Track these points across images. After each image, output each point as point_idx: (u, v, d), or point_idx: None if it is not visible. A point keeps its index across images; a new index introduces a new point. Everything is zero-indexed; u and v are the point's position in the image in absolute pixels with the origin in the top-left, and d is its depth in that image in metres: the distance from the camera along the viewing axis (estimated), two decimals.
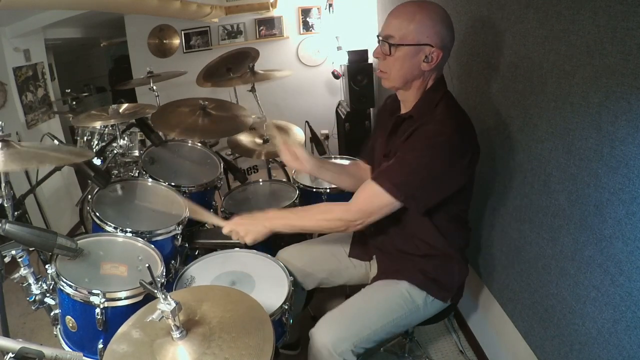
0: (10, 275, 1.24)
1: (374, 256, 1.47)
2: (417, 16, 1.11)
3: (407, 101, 1.26)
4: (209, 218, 1.43)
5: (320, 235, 1.69)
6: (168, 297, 0.88)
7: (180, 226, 1.57)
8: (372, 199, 1.16)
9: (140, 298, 1.21)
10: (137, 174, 1.96)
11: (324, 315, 1.28)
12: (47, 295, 1.28)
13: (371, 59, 3.31)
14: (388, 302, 1.29)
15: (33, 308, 1.28)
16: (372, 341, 1.25)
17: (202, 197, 1.91)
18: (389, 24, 1.15)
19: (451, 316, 2.00)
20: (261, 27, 4.05)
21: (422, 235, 1.29)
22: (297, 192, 2.04)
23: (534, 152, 1.26)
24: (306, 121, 3.03)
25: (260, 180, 2.28)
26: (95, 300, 1.15)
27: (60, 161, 1.33)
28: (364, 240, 1.48)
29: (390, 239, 1.36)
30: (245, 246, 1.62)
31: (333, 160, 1.51)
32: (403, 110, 1.29)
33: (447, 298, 1.34)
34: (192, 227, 1.84)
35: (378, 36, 1.19)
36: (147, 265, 0.97)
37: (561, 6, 1.06)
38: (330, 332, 1.22)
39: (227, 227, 1.31)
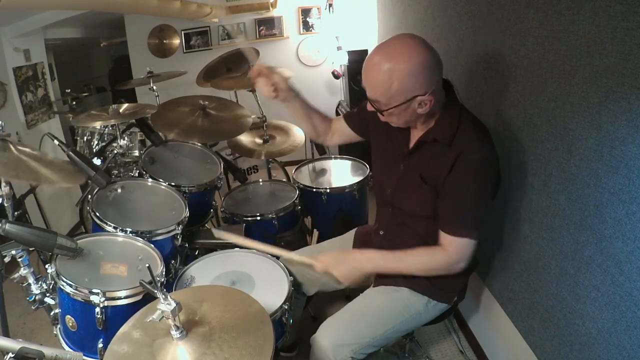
0: (10, 275, 1.24)
1: None
2: (395, 75, 1.04)
3: (417, 124, 1.23)
4: (300, 258, 1.36)
5: (318, 242, 1.69)
6: (168, 297, 0.88)
7: (180, 226, 1.57)
8: (464, 250, 1.18)
9: (140, 297, 1.21)
10: (137, 174, 1.96)
11: (325, 321, 1.28)
12: (47, 295, 1.28)
13: None
14: (388, 309, 1.29)
15: (33, 308, 1.28)
16: (373, 347, 1.25)
17: (202, 197, 1.92)
18: (371, 87, 1.11)
19: (451, 316, 2.00)
20: (261, 27, 4.05)
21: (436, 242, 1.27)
22: (297, 192, 2.04)
23: (534, 152, 1.26)
24: None
25: (260, 180, 2.28)
26: (95, 299, 1.16)
27: (51, 182, 1.27)
28: (368, 242, 1.47)
29: (404, 245, 1.33)
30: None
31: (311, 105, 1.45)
32: (415, 131, 1.26)
33: (451, 299, 1.34)
34: (192, 227, 1.84)
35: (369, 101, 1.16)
36: (147, 265, 0.97)
37: (561, 6, 1.06)
38: (330, 338, 1.22)
39: (319, 267, 1.27)
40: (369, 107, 1.19)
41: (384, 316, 1.28)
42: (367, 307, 1.30)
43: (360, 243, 1.51)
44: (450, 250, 1.18)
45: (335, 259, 1.25)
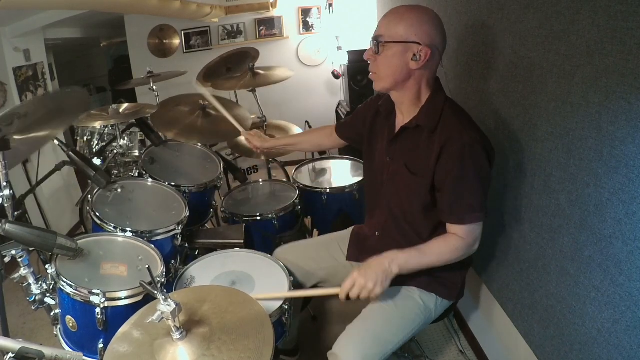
0: (10, 275, 1.24)
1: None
2: (406, 16, 1.14)
3: (403, 106, 1.26)
4: (325, 291, 1.32)
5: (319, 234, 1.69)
6: (168, 298, 0.88)
7: (180, 226, 1.57)
8: (474, 233, 1.21)
9: (140, 298, 1.21)
10: (137, 174, 1.96)
11: (343, 333, 1.25)
12: (47, 295, 1.28)
13: None
14: (407, 314, 1.29)
15: (33, 308, 1.28)
16: (393, 352, 1.25)
17: (202, 197, 1.92)
18: (379, 25, 1.18)
19: (451, 316, 2.00)
20: (261, 27, 4.05)
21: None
22: (297, 192, 2.04)
23: (534, 152, 1.26)
24: (306, 121, 3.03)
25: (260, 180, 2.28)
26: (95, 300, 1.16)
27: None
28: (363, 244, 1.48)
29: (401, 245, 1.32)
30: (246, 246, 1.64)
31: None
32: (400, 118, 1.29)
33: (453, 297, 1.35)
34: (192, 227, 1.84)
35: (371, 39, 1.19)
36: (147, 266, 0.97)
37: (561, 6, 1.06)
38: (357, 352, 1.18)
39: (345, 288, 1.18)
40: (366, 56, 1.21)
41: (405, 322, 1.27)
42: (387, 316, 1.28)
43: (356, 244, 1.51)
44: (463, 236, 1.21)
45: (360, 273, 1.18)
